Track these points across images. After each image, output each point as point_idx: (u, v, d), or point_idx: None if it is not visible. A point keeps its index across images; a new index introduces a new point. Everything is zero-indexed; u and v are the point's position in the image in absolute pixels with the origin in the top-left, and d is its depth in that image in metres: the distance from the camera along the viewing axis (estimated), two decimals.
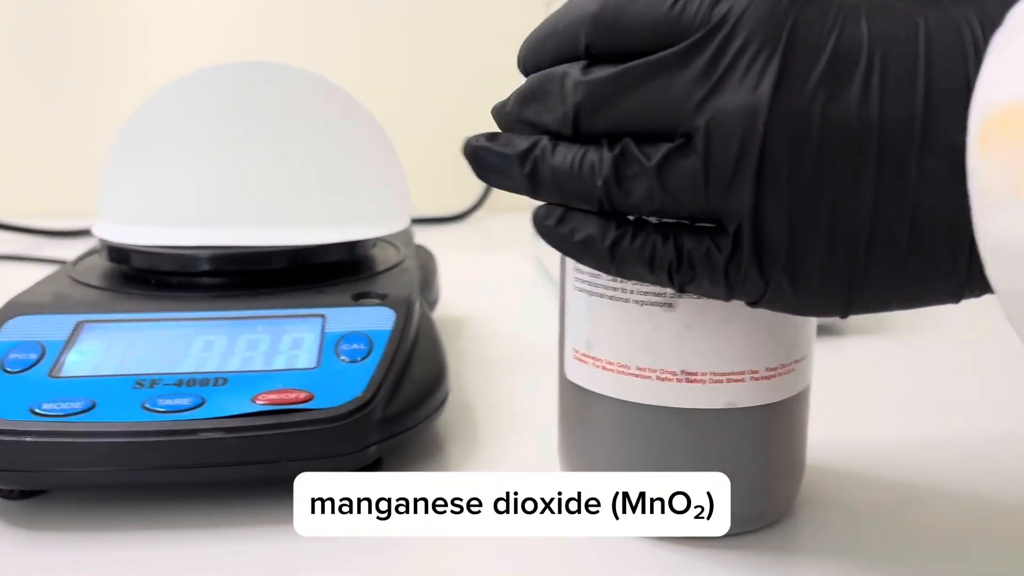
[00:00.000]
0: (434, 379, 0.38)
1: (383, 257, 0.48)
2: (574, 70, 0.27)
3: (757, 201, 0.24)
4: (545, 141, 0.28)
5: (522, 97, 0.29)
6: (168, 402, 0.33)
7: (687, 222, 0.26)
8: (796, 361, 0.31)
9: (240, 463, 0.32)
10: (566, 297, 0.32)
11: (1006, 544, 0.32)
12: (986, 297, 0.25)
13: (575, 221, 0.28)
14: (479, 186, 0.98)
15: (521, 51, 0.30)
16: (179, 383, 0.34)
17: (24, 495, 0.34)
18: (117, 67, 0.95)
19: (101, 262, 0.46)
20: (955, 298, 0.25)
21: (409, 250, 0.50)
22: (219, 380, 0.35)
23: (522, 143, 0.28)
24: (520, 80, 0.30)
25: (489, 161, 0.29)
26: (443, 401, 0.38)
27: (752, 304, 0.26)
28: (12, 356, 0.35)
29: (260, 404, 0.33)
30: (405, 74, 0.97)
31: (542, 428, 0.40)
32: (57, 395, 0.33)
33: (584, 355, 0.31)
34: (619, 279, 0.30)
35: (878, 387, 0.48)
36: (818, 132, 0.23)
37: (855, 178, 0.24)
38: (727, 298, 0.26)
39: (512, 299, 0.66)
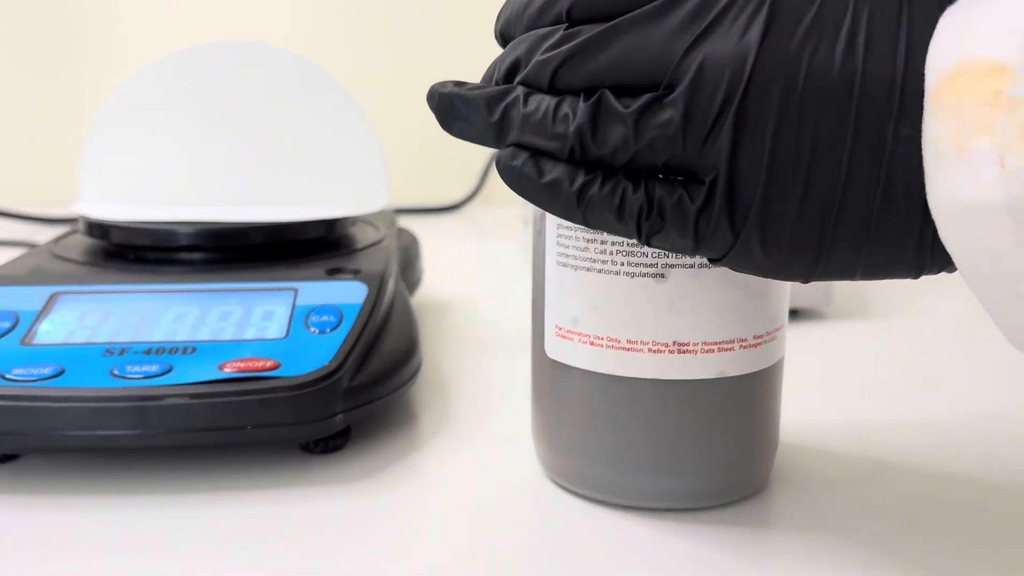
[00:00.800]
0: (405, 352, 0.39)
1: (362, 236, 0.49)
2: (555, 32, 0.26)
3: (734, 151, 0.24)
4: (519, 89, 0.27)
5: (501, 67, 0.28)
6: (136, 368, 0.33)
7: (659, 173, 0.26)
8: (777, 329, 0.31)
9: (206, 429, 0.33)
10: (546, 273, 0.32)
11: (971, 519, 0.32)
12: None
13: (542, 164, 0.27)
14: (474, 177, 0.98)
15: (497, 23, 0.29)
16: (148, 351, 0.35)
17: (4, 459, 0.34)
18: (107, 53, 0.96)
19: (81, 239, 0.47)
20: (916, 271, 0.25)
21: (390, 230, 0.51)
22: (188, 349, 0.35)
23: (493, 89, 0.27)
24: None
25: (455, 107, 0.28)
26: (414, 374, 0.39)
27: (715, 261, 0.26)
28: None
29: (227, 372, 0.34)
30: (403, 66, 0.98)
31: (515, 406, 0.40)
32: (27, 362, 0.34)
33: (569, 331, 0.31)
34: (606, 252, 0.29)
35: (857, 369, 0.48)
36: (802, 84, 0.23)
37: (834, 136, 0.23)
38: (694, 252, 0.26)
39: (498, 284, 0.66)
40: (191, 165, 0.47)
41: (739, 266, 0.26)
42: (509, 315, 0.57)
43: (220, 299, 0.39)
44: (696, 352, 0.30)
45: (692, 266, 0.29)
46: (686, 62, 0.24)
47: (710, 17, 0.24)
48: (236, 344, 0.36)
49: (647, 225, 0.26)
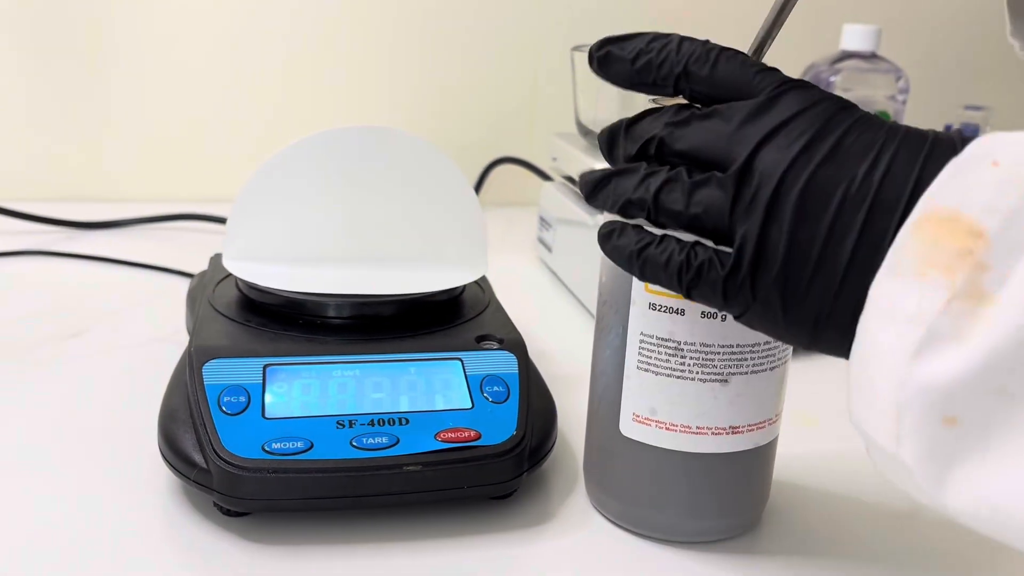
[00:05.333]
0: (551, 412, 0.48)
1: (471, 296, 0.56)
2: (662, 116, 0.35)
3: (762, 231, 0.31)
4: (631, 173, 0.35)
5: (623, 131, 0.36)
6: (371, 441, 0.41)
7: (704, 241, 0.33)
8: (782, 408, 0.43)
9: (431, 490, 0.41)
10: (626, 372, 0.41)
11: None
12: None
13: (621, 232, 0.36)
14: (471, 180, 1.05)
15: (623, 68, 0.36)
16: (372, 423, 0.42)
17: (240, 513, 0.41)
18: (115, 51, 0.97)
19: (236, 294, 0.53)
20: None
21: (490, 288, 0.58)
22: (403, 420, 0.43)
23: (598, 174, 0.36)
24: None
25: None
26: (556, 432, 0.48)
27: (737, 317, 0.33)
28: (226, 399, 0.42)
29: (442, 442, 0.42)
30: (396, 63, 1.03)
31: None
32: (278, 435, 0.41)
33: (647, 419, 0.41)
34: (685, 363, 0.39)
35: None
36: (816, 189, 0.31)
37: (843, 231, 0.30)
38: (721, 307, 0.33)
39: (539, 312, 0.74)
40: (326, 232, 0.53)
41: (754, 325, 0.33)
42: (569, 351, 0.65)
43: (400, 369, 0.46)
44: (743, 432, 0.41)
45: (746, 373, 0.40)
46: (745, 158, 0.32)
47: (769, 127, 0.32)
48: (437, 414, 0.43)
49: (686, 279, 0.33)
